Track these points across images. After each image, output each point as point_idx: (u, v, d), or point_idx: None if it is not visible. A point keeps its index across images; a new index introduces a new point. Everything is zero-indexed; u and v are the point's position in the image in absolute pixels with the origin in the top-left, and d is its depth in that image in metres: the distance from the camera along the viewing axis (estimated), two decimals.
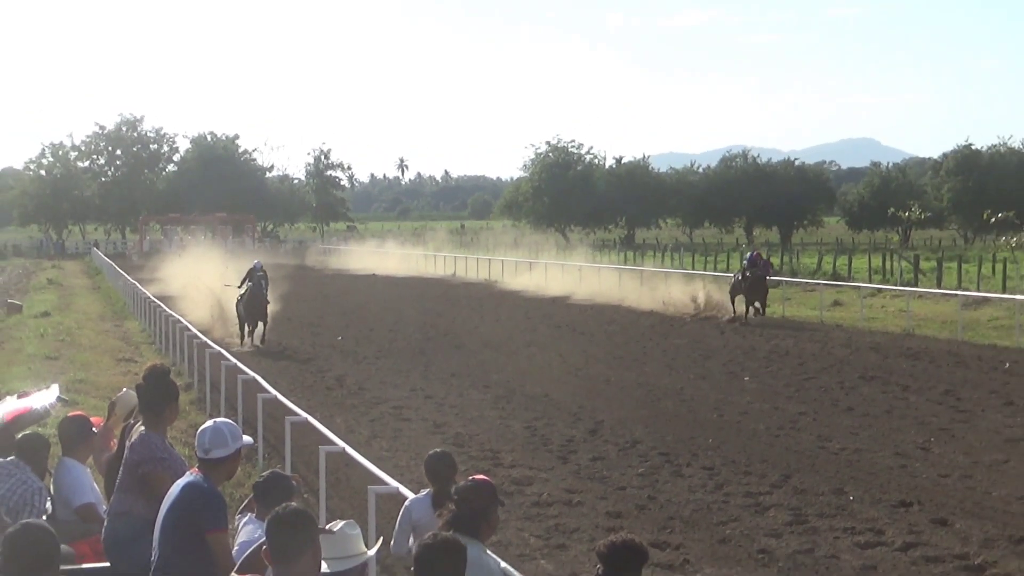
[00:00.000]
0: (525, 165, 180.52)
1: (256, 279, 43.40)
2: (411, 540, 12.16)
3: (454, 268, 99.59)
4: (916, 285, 66.13)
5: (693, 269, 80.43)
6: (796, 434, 27.73)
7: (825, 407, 31.15)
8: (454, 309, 62.92)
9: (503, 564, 10.96)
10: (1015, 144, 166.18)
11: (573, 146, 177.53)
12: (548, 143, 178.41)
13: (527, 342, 47.06)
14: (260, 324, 44.29)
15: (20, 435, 13.05)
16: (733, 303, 52.41)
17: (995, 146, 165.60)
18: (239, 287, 44.93)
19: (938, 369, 38.39)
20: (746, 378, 36.54)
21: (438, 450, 12.85)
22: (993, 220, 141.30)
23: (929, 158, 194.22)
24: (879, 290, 59.90)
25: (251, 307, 43.50)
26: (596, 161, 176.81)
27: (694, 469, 23.90)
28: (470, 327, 52.93)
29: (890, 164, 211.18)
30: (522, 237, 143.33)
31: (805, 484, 22.57)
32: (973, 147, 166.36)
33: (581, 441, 26.81)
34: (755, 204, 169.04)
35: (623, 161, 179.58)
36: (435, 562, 7.90)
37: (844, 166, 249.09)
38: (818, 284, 62.77)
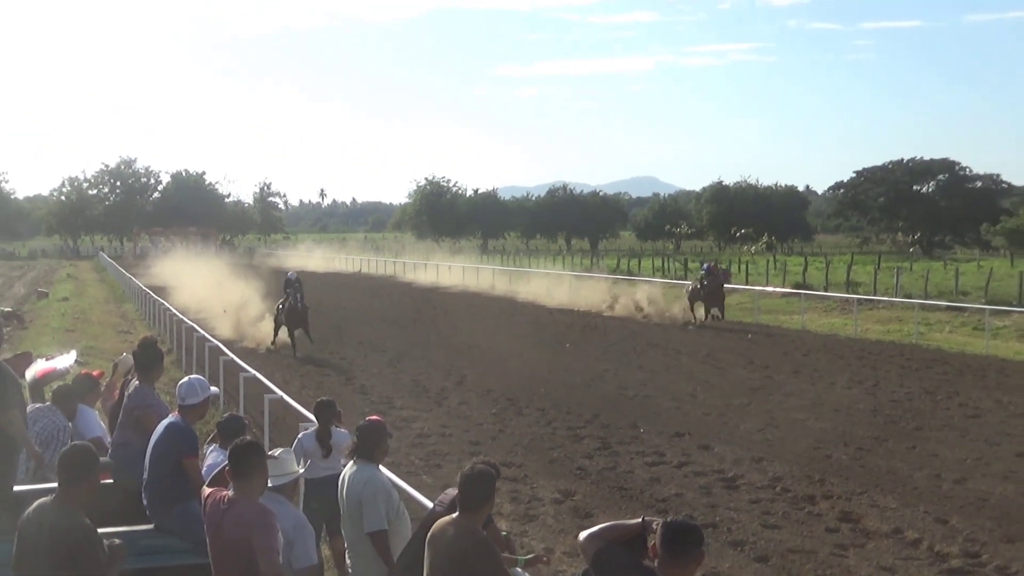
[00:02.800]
0: (410, 193, 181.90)
1: (294, 289, 33.29)
2: (301, 463, 12.05)
3: (360, 267, 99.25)
4: (685, 279, 66.60)
5: (530, 268, 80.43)
6: (602, 384, 27.83)
7: (623, 365, 31.28)
8: (361, 296, 62.58)
9: (395, 478, 10.89)
10: (752, 181, 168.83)
11: (444, 180, 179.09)
12: (427, 178, 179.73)
13: (413, 319, 46.97)
14: (297, 332, 33.78)
15: (56, 386, 12.96)
16: (692, 309, 43.99)
17: (738, 182, 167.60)
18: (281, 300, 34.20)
19: (702, 338, 38.72)
20: (567, 345, 36.62)
21: (322, 398, 12.67)
22: (738, 234, 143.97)
23: (693, 190, 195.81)
24: (659, 283, 60.06)
25: (291, 317, 33.43)
26: (460, 191, 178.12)
27: (531, 410, 23.94)
28: (372, 309, 52.75)
29: (666, 194, 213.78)
30: (411, 245, 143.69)
31: (609, 421, 22.67)
32: (723, 183, 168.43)
33: (451, 390, 26.75)
34: (572, 222, 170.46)
35: (479, 191, 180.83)
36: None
37: (634, 195, 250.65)
38: (617, 279, 63.21)
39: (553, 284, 61.48)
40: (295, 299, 33.20)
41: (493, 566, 7.73)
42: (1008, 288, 52.51)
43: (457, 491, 7.96)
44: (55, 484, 7.72)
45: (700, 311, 43.79)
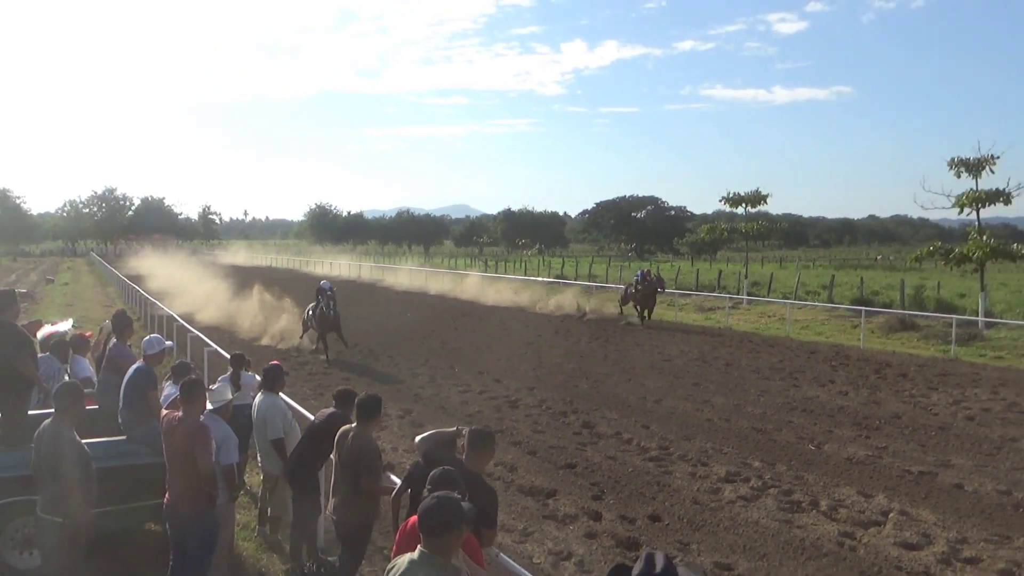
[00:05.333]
0: (305, 213, 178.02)
1: (326, 298, 24.63)
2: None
3: (271, 263, 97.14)
4: (485, 271, 66.81)
5: (385, 264, 79.95)
6: (430, 340, 27.67)
7: (445, 329, 31.19)
8: (268, 281, 61.46)
9: (291, 402, 10.79)
10: (530, 208, 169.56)
11: (328, 205, 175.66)
12: (316, 203, 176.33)
13: (306, 298, 46.08)
14: (337, 339, 24.83)
15: (51, 342, 12.49)
16: (622, 308, 35.00)
17: (521, 209, 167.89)
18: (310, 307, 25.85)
19: (494, 312, 38.90)
20: (408, 314, 36.47)
21: (236, 352, 12.38)
22: (520, 243, 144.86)
23: (491, 213, 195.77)
24: (515, 279, 59.67)
25: (323, 325, 24.49)
26: (338, 212, 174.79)
27: (384, 357, 23.87)
28: (281, 287, 51.71)
29: (474, 216, 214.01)
30: (306, 249, 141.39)
31: (437, 365, 22.66)
32: (511, 209, 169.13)
33: (330, 344, 26.39)
34: (414, 235, 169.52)
35: (351, 212, 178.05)
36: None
37: (453, 216, 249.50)
38: (442, 272, 63.09)
39: (402, 276, 61.38)
40: (328, 307, 24.50)
41: (375, 461, 7.82)
42: (689, 279, 54.14)
43: (356, 407, 8.00)
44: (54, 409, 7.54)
45: (628, 309, 34.87)
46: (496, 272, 68.09)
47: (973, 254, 31.66)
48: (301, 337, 26.49)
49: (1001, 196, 31.43)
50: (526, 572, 6.42)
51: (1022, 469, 13.25)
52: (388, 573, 4.64)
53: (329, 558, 8.93)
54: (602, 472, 12.94)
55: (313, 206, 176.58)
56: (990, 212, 32.63)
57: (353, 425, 7.96)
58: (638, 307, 33.71)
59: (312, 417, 9.73)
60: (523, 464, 13.30)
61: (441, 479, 5.44)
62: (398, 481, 7.37)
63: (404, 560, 4.58)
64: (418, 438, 7.13)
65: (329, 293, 24.94)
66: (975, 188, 31.86)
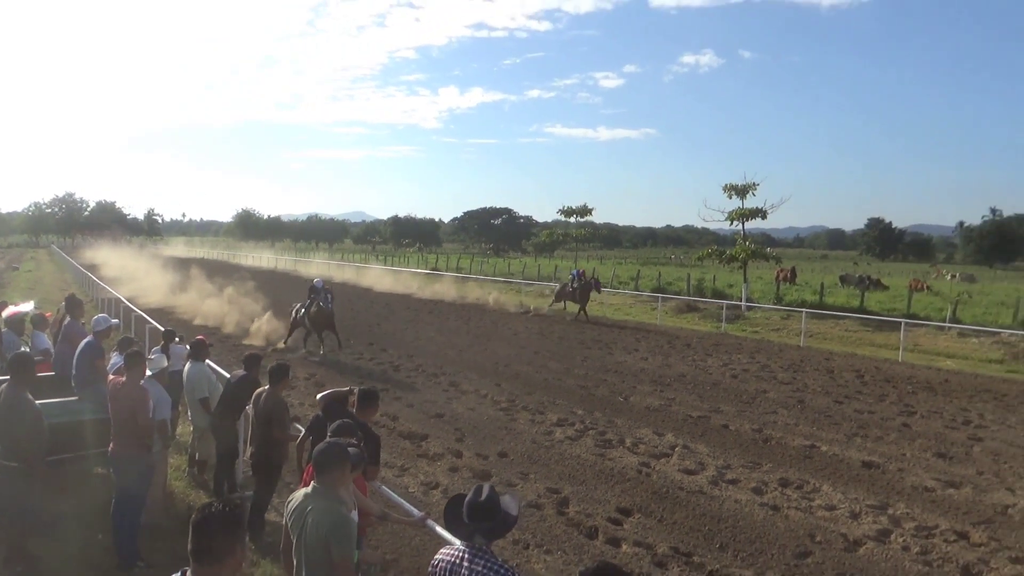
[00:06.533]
0: (233, 216, 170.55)
1: (321, 295, 20.10)
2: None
3: (204, 255, 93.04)
4: (376, 264, 65.85)
5: (298, 257, 77.80)
6: (370, 326, 26.96)
7: (344, 310, 30.46)
8: (203, 270, 59.04)
9: (217, 368, 10.43)
10: (413, 215, 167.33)
11: (252, 210, 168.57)
12: (243, 208, 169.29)
13: (228, 283, 44.56)
14: (330, 335, 20.23)
15: (8, 319, 11.69)
16: (564, 303, 30.42)
17: (406, 215, 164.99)
18: (303, 305, 20.72)
19: (386, 298, 38.33)
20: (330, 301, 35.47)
21: (168, 328, 11.79)
22: (404, 242, 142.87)
23: (382, 218, 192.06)
24: (401, 271, 58.62)
25: (317, 320, 19.74)
26: (259, 216, 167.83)
27: (298, 332, 23.15)
28: (220, 275, 49.64)
29: (369, 221, 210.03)
30: (234, 245, 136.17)
31: (375, 344, 22.21)
32: (399, 216, 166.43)
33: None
34: (320, 235, 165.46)
35: (270, 216, 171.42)
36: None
37: (352, 221, 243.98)
38: (372, 268, 61.69)
39: (313, 268, 59.80)
40: (325, 302, 19.99)
41: (284, 415, 7.66)
42: (533, 271, 54.69)
43: (269, 373, 7.80)
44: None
45: (563, 305, 30.78)
46: (386, 265, 67.22)
47: (739, 255, 33.09)
48: (286, 341, 20.76)
49: (760, 213, 32.88)
50: (403, 500, 6.40)
51: (770, 413, 13.98)
52: (288, 504, 4.56)
53: (246, 492, 8.69)
54: (464, 420, 12.93)
55: (240, 210, 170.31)
56: (752, 224, 33.98)
57: (266, 387, 7.78)
58: (578, 304, 29.38)
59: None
60: (403, 414, 13.17)
61: (340, 429, 5.38)
62: (303, 430, 7.23)
63: (300, 493, 4.54)
64: (319, 395, 7.01)
65: (322, 291, 20.33)
66: (741, 206, 33.25)
